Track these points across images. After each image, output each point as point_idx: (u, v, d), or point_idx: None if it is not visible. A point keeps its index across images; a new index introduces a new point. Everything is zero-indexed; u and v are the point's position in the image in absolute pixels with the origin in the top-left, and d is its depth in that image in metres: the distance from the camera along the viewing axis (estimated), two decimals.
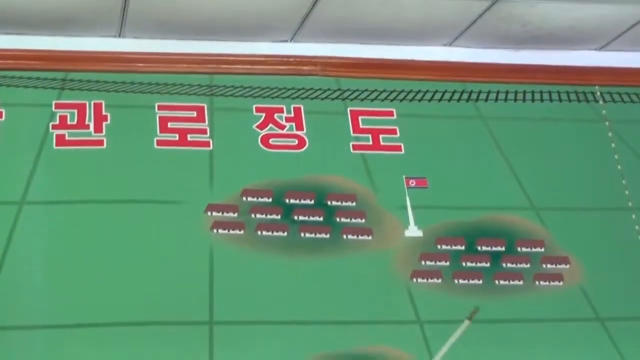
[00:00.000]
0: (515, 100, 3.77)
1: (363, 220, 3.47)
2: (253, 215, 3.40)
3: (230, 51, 3.62)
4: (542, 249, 3.52)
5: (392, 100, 3.69)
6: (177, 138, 3.48)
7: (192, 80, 3.58)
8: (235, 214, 3.39)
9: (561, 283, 3.47)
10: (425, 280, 3.40)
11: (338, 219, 3.45)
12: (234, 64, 3.62)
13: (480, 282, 3.42)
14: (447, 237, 3.48)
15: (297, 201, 3.45)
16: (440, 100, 3.72)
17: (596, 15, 3.62)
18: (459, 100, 3.74)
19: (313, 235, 3.40)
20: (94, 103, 3.47)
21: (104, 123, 3.45)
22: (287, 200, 3.44)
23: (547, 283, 3.46)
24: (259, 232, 3.38)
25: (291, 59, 3.69)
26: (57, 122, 3.43)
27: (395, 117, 3.66)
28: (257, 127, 3.56)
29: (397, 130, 3.64)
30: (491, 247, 3.49)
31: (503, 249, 3.50)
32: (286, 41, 3.70)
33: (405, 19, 3.59)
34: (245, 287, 3.27)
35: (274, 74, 3.64)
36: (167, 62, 3.57)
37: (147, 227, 3.32)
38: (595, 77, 3.85)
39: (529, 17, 3.61)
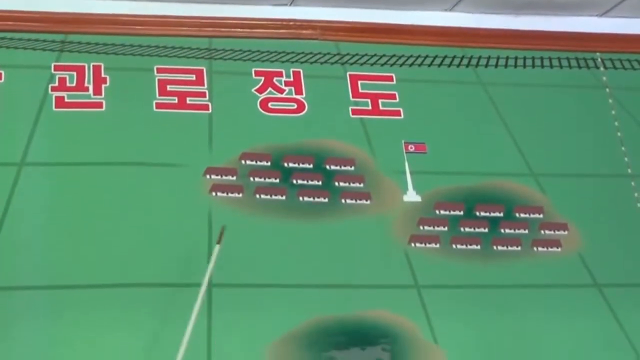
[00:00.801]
0: (516, 66, 3.76)
1: (362, 185, 3.46)
2: (252, 179, 3.40)
3: (230, 14, 3.61)
4: (541, 215, 3.52)
5: (391, 65, 3.68)
6: (176, 101, 3.48)
7: (192, 43, 3.57)
8: (234, 177, 3.39)
9: (559, 249, 3.48)
10: (423, 245, 3.40)
11: (337, 183, 3.45)
12: (233, 27, 3.62)
13: (479, 247, 3.43)
14: (446, 202, 3.48)
15: (296, 165, 3.44)
16: (439, 65, 3.71)
17: None
18: (458, 65, 3.73)
19: (312, 199, 3.41)
20: (93, 65, 3.47)
21: (103, 85, 3.44)
22: (285, 164, 3.44)
23: (545, 249, 3.47)
24: (258, 196, 3.38)
25: (291, 23, 3.67)
26: (57, 84, 3.42)
27: (394, 82, 3.65)
28: (256, 90, 3.56)
29: (397, 95, 3.63)
30: (490, 213, 3.49)
31: (502, 214, 3.50)
32: (286, 5, 3.69)
33: None
34: (244, 250, 3.27)
35: (274, 37, 3.64)
36: (166, 25, 3.56)
37: (146, 190, 3.32)
38: (596, 44, 3.84)
39: None
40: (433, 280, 3.35)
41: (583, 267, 3.46)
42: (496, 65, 3.74)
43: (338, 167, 3.48)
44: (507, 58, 3.76)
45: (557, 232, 3.50)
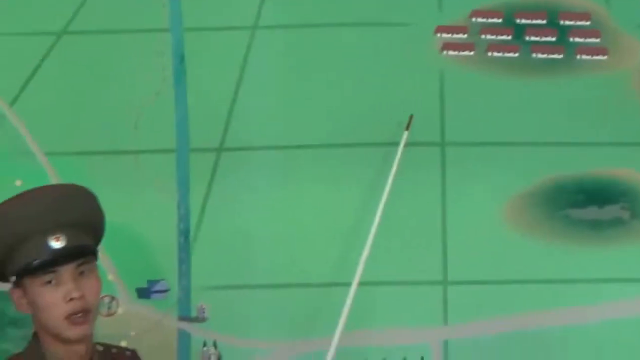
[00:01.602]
0: None
1: (598, 40, 3.33)
2: (483, 36, 3.33)
3: None
4: None
5: None
6: None
7: None
8: (465, 35, 3.33)
9: None
10: None
11: (571, 39, 3.33)
12: None
13: None
14: None
15: (529, 21, 3.34)
16: None
17: None
18: None
19: (545, 55, 3.30)
20: None
21: None
22: (518, 20, 3.35)
23: None
24: (490, 53, 3.31)
25: None
26: None
27: None
28: None
29: None
30: None
31: None
32: None
33: None
34: (476, 109, 3.24)
35: None
36: None
37: (376, 50, 3.31)
38: None
39: None
40: None
41: None
42: None
43: (572, 22, 3.35)
44: None
45: None
